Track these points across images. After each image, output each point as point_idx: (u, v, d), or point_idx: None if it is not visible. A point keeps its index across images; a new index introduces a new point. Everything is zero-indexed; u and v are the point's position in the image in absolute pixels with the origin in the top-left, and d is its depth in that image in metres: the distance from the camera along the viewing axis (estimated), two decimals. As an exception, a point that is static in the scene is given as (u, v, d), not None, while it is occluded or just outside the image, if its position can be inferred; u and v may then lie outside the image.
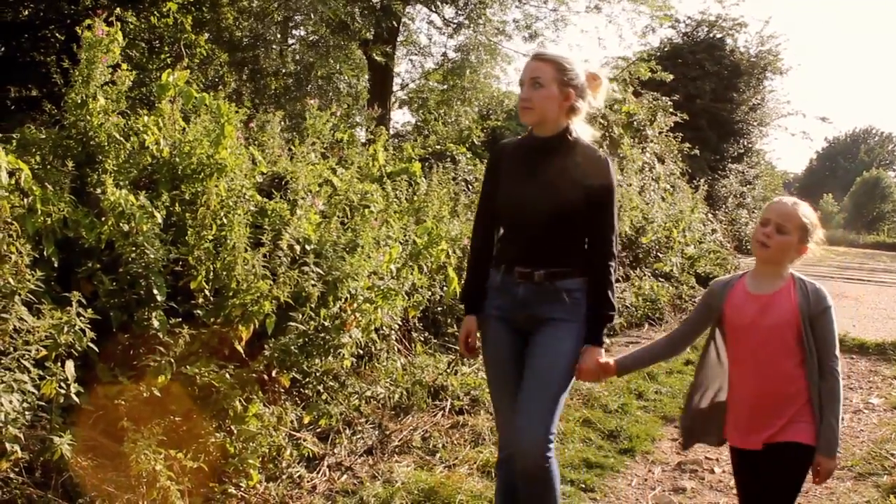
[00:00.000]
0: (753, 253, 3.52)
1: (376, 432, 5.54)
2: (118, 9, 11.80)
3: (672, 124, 15.66)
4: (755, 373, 3.45)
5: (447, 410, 6.22)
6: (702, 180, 17.74)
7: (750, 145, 28.78)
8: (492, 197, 3.85)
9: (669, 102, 15.64)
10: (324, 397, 5.40)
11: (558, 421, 3.76)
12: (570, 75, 3.64)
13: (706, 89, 25.98)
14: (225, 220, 5.12)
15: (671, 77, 16.50)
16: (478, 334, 3.98)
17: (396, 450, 5.44)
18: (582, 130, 3.75)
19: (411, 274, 6.61)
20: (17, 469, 3.62)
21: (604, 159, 3.69)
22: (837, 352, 3.40)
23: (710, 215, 17.49)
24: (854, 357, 9.95)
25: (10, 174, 4.43)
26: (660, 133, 15.27)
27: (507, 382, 3.82)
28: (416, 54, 23.44)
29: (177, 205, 5.18)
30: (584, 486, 5.23)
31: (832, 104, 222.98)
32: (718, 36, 27.85)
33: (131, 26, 4.96)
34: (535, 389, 3.66)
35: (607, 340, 6.73)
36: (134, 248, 4.63)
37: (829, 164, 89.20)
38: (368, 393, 5.83)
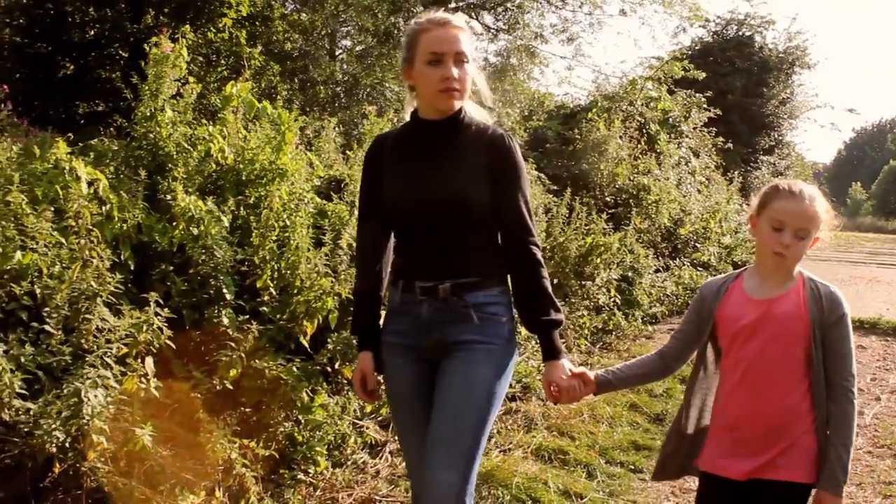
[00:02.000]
0: (759, 258, 2.87)
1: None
2: (179, 25, 11.94)
3: (706, 120, 15.52)
4: (749, 391, 2.78)
5: (500, 397, 6.20)
6: (735, 172, 17.57)
7: (780, 138, 28.46)
8: (373, 200, 3.03)
9: (703, 99, 15.51)
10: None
11: (478, 466, 2.90)
12: (474, 46, 2.97)
13: (737, 85, 25.75)
14: (287, 222, 5.15)
15: (703, 75, 16.32)
16: (379, 376, 3.15)
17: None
18: (474, 108, 3.03)
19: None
20: (103, 459, 3.66)
21: (502, 135, 2.93)
22: (854, 369, 2.73)
23: (744, 206, 17.27)
24: (888, 339, 9.81)
25: (89, 184, 4.51)
26: (694, 128, 15.16)
27: (415, 423, 2.99)
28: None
29: (242, 209, 5.22)
30: (632, 467, 5.25)
31: (859, 95, 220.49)
32: (747, 34, 27.59)
33: (189, 41, 5.01)
34: (445, 430, 2.85)
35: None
36: (203, 251, 4.67)
37: (857, 154, 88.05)
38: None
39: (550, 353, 2.92)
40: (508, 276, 2.99)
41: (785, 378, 2.74)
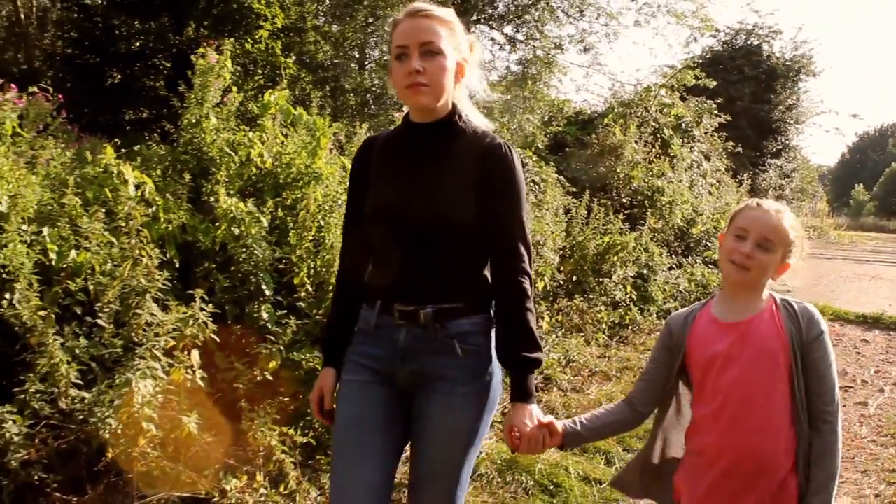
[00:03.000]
0: (724, 275, 2.54)
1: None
2: (219, 37, 12.00)
3: (716, 125, 15.43)
4: (730, 422, 2.41)
5: (523, 388, 6.20)
6: (744, 175, 17.49)
7: (787, 142, 28.22)
8: (357, 206, 2.63)
9: (714, 105, 15.43)
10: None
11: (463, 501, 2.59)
12: (459, 39, 2.53)
13: (746, 92, 25.56)
14: (322, 223, 5.15)
15: (714, 83, 16.24)
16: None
17: (479, 425, 5.43)
18: (470, 110, 2.63)
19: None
20: (152, 445, 3.68)
21: (502, 146, 2.50)
22: (836, 394, 2.38)
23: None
24: (891, 334, 9.75)
25: (137, 187, 4.54)
26: (706, 133, 15.06)
27: (364, 455, 2.45)
28: (481, 69, 23.38)
29: (280, 210, 5.23)
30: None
31: (863, 101, 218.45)
32: (756, 43, 27.39)
33: (228, 52, 5.05)
34: (426, 480, 2.53)
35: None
36: (244, 249, 4.69)
37: (860, 157, 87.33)
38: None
39: (521, 394, 2.45)
40: (495, 303, 2.53)
41: (768, 406, 2.38)
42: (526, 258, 2.47)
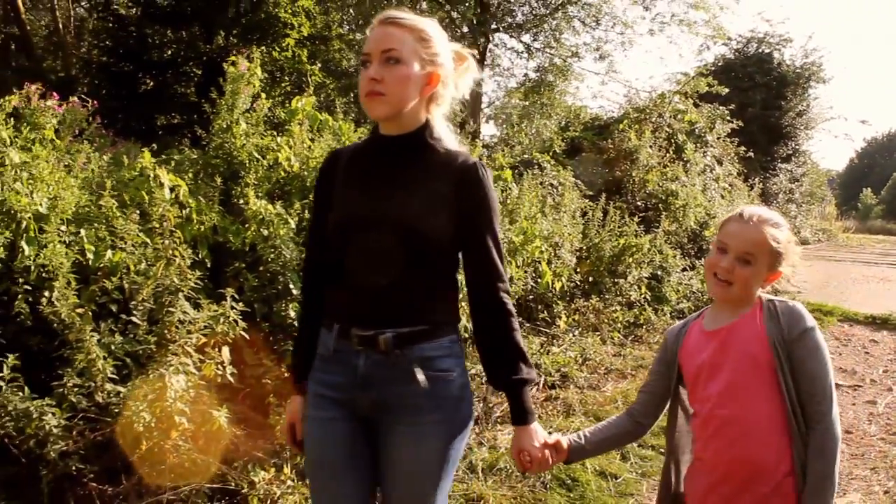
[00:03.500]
0: (707, 287, 2.42)
1: (481, 405, 5.54)
2: (247, 45, 12.05)
3: (728, 130, 15.37)
4: (716, 434, 2.30)
5: (541, 385, 6.21)
6: (756, 179, 17.40)
7: (797, 147, 27.99)
8: (321, 221, 2.40)
9: (727, 112, 15.36)
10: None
11: None
12: (434, 49, 2.29)
13: (757, 99, 25.39)
14: (348, 224, 5.16)
15: (726, 90, 16.16)
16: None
17: (499, 420, 5.43)
18: (444, 129, 2.40)
19: (509, 268, 6.61)
20: (184, 438, 3.69)
21: (474, 164, 2.30)
22: (829, 391, 2.20)
23: (764, 210, 17.06)
24: (902, 334, 9.68)
25: (171, 190, 4.56)
26: (718, 139, 15.00)
27: (338, 497, 2.33)
28: (500, 75, 23.46)
29: (306, 212, 5.24)
30: (662, 450, 5.15)
31: (871, 107, 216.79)
32: (767, 51, 27.19)
33: (258, 59, 5.09)
34: None
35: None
36: (272, 250, 4.69)
37: (868, 162, 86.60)
38: (473, 371, 5.83)
39: (521, 416, 2.31)
40: (473, 326, 2.34)
41: (755, 410, 2.24)
42: (504, 277, 2.32)
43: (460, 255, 2.35)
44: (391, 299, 2.23)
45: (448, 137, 2.39)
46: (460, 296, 2.44)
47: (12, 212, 3.90)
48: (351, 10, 21.50)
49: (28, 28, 18.73)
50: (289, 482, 4.02)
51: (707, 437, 2.35)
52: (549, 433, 2.44)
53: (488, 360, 2.32)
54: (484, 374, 2.54)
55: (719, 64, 26.08)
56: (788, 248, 2.33)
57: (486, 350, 2.32)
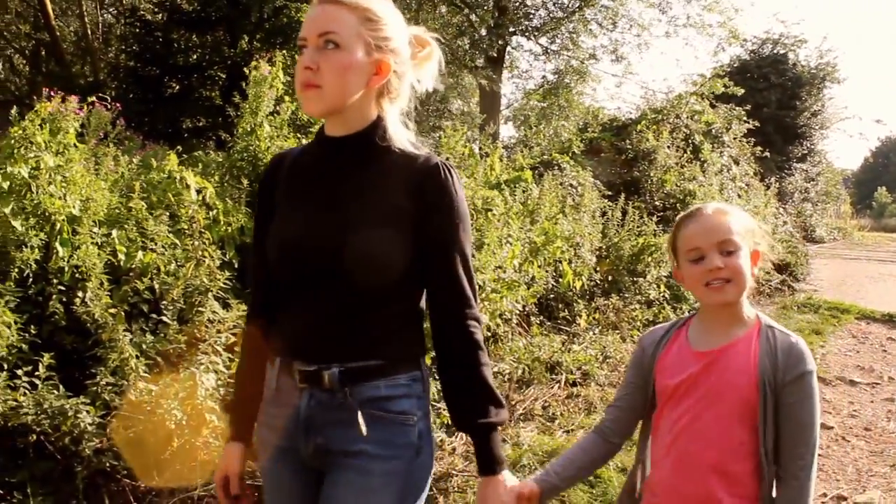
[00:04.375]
0: (704, 302, 2.04)
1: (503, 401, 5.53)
2: (271, 49, 12.09)
3: (745, 131, 15.30)
4: (676, 463, 2.01)
5: (562, 383, 6.18)
6: (772, 179, 17.30)
7: (812, 147, 27.84)
8: (262, 238, 1.99)
9: (743, 112, 15.29)
10: (460, 373, 5.41)
11: None
12: (383, 33, 1.85)
13: (772, 99, 25.27)
14: (373, 225, 5.16)
15: (742, 91, 16.08)
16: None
17: (521, 417, 5.42)
18: (399, 128, 1.94)
19: (531, 268, 6.61)
20: (214, 435, 3.70)
21: (437, 166, 1.86)
22: (814, 445, 1.92)
23: (780, 209, 16.99)
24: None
25: (198, 192, 4.58)
26: (734, 139, 14.93)
27: None
28: (518, 78, 23.47)
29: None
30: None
31: (886, 106, 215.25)
32: (781, 52, 27.06)
33: (281, 63, 5.10)
34: None
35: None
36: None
37: (882, 161, 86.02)
38: (496, 369, 5.83)
39: (488, 465, 1.87)
40: (437, 359, 1.93)
41: (725, 448, 1.95)
42: (473, 302, 1.89)
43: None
44: (338, 330, 1.84)
45: (404, 137, 1.93)
46: (426, 324, 2.00)
47: (47, 214, 3.93)
48: (371, 14, 21.50)
49: (58, 34, 18.84)
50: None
51: (666, 464, 2.05)
52: (519, 478, 2.07)
53: (452, 399, 1.91)
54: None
55: (735, 65, 25.98)
56: (750, 223, 2.07)
57: (450, 388, 1.91)
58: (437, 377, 1.94)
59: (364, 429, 1.81)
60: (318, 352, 1.84)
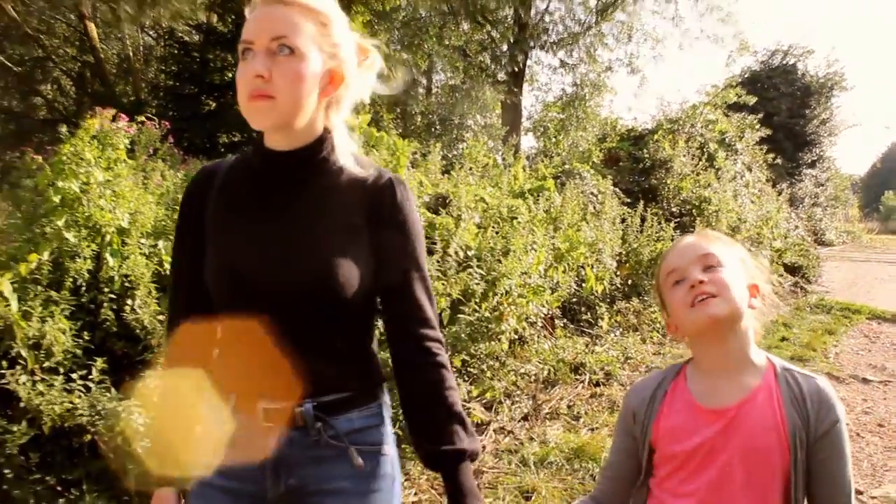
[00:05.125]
0: (694, 330, 1.67)
1: (530, 402, 5.52)
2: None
3: (757, 139, 15.23)
4: None
5: (586, 383, 6.16)
6: (783, 185, 17.22)
7: (821, 153, 27.69)
8: (188, 260, 1.70)
9: (755, 120, 15.23)
10: (488, 374, 5.41)
11: None
12: (335, 39, 1.62)
13: (782, 108, 25.20)
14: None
15: (754, 100, 16.04)
16: None
17: (547, 416, 5.40)
18: (347, 141, 1.71)
19: (556, 273, 6.61)
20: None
21: (390, 182, 1.67)
22: (851, 497, 1.60)
23: (791, 214, 16.88)
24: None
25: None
26: (747, 147, 14.86)
27: None
28: (538, 90, 23.47)
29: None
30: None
31: (894, 112, 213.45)
32: (791, 62, 26.99)
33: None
34: None
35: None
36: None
37: (890, 166, 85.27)
38: (522, 370, 5.82)
39: (463, 498, 1.56)
40: (399, 386, 1.66)
41: None
42: (436, 323, 1.67)
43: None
44: (305, 363, 1.59)
45: (350, 151, 1.71)
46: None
47: (97, 226, 3.96)
48: (397, 31, 21.59)
49: (102, 56, 19.04)
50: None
51: None
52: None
53: (421, 429, 1.61)
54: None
55: (746, 75, 25.90)
56: (740, 252, 1.76)
57: (418, 416, 1.63)
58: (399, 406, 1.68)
59: (360, 461, 1.61)
60: (286, 388, 1.58)
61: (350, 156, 1.68)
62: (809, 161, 26.70)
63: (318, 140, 1.65)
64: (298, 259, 1.57)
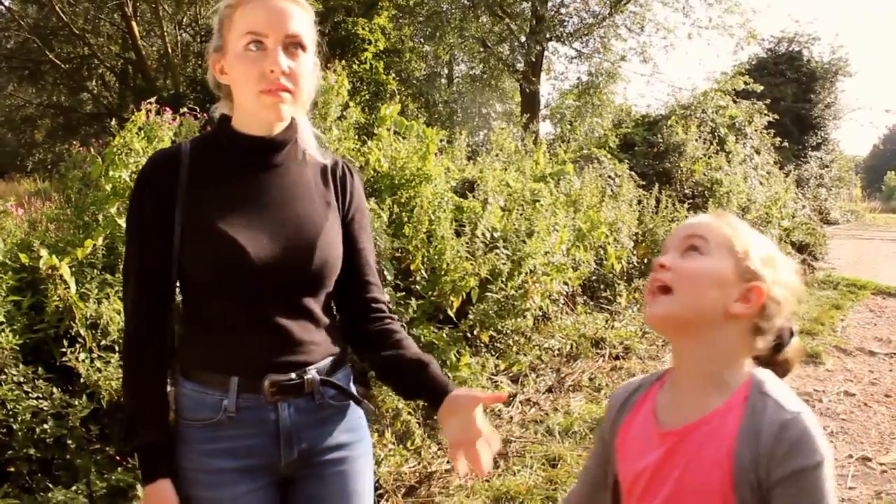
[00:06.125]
0: (645, 319, 1.38)
1: (554, 375, 5.51)
2: (331, 60, 12.15)
3: (765, 123, 15.07)
4: None
5: (606, 357, 6.15)
6: (790, 167, 17.05)
7: (826, 136, 27.31)
8: (159, 252, 1.57)
9: (763, 106, 15.07)
10: (514, 349, 5.42)
11: None
12: (316, 35, 1.66)
13: (788, 93, 24.82)
14: (433, 217, 5.16)
15: (761, 88, 15.87)
16: None
17: (570, 388, 5.39)
18: (308, 126, 1.71)
19: (578, 252, 6.59)
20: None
21: (352, 168, 1.77)
22: None
23: (799, 195, 16.70)
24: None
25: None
26: (756, 131, 14.71)
27: None
28: (555, 79, 23.37)
29: (396, 206, 5.24)
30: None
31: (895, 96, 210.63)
32: (796, 49, 26.59)
33: (344, 73, 5.12)
34: None
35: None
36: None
37: (891, 147, 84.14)
38: (546, 345, 5.82)
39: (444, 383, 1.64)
40: (370, 344, 1.73)
41: None
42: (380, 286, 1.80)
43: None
44: (307, 334, 1.63)
45: (311, 131, 1.72)
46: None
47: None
48: (420, 25, 21.55)
49: (143, 53, 19.16)
50: (389, 445, 4.04)
51: None
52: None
53: (398, 358, 1.68)
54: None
55: (753, 62, 25.57)
56: (749, 242, 1.32)
57: (393, 351, 1.69)
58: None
59: (352, 404, 1.71)
60: (295, 360, 1.61)
61: (314, 141, 1.71)
62: (814, 144, 26.35)
63: (290, 126, 1.66)
64: (298, 238, 1.60)
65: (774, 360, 1.35)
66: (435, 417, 3.47)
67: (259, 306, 1.58)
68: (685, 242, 1.32)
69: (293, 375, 1.59)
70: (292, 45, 1.55)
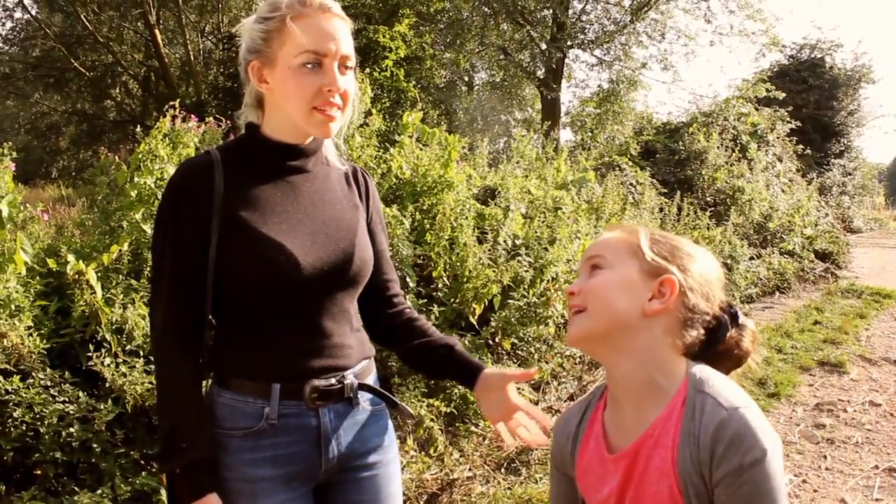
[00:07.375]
0: (574, 347, 1.48)
1: (576, 383, 5.48)
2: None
3: (787, 130, 14.97)
4: None
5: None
6: (813, 174, 16.92)
7: (849, 143, 27.08)
8: (196, 260, 1.55)
9: (786, 113, 14.98)
10: (535, 356, 5.39)
11: None
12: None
13: (810, 100, 24.63)
14: (455, 224, 5.16)
15: (783, 95, 15.76)
16: None
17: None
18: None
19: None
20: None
21: (365, 174, 1.83)
22: None
23: (821, 202, 16.56)
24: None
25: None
26: (778, 138, 14.61)
27: None
28: (575, 87, 23.37)
29: (418, 214, 5.25)
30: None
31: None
32: (819, 56, 26.36)
33: (367, 80, 5.15)
34: None
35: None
36: (391, 248, 4.72)
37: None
38: (568, 352, 5.79)
39: (474, 366, 1.78)
40: (397, 337, 1.84)
41: None
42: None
43: None
44: (346, 338, 1.67)
45: (332, 143, 1.76)
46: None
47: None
48: (441, 32, 21.60)
49: (166, 61, 19.31)
50: (412, 452, 4.03)
51: None
52: None
53: (427, 342, 1.81)
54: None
55: (775, 69, 25.39)
56: (643, 237, 1.34)
57: (422, 339, 1.81)
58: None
59: (408, 409, 1.80)
60: (334, 364, 1.63)
61: (333, 149, 1.77)
62: (837, 151, 26.12)
63: (315, 138, 1.70)
64: (338, 239, 1.64)
65: (724, 351, 1.35)
66: (457, 424, 3.53)
67: (302, 309, 1.60)
68: (588, 264, 1.34)
69: (333, 381, 1.62)
70: (344, 65, 1.59)
